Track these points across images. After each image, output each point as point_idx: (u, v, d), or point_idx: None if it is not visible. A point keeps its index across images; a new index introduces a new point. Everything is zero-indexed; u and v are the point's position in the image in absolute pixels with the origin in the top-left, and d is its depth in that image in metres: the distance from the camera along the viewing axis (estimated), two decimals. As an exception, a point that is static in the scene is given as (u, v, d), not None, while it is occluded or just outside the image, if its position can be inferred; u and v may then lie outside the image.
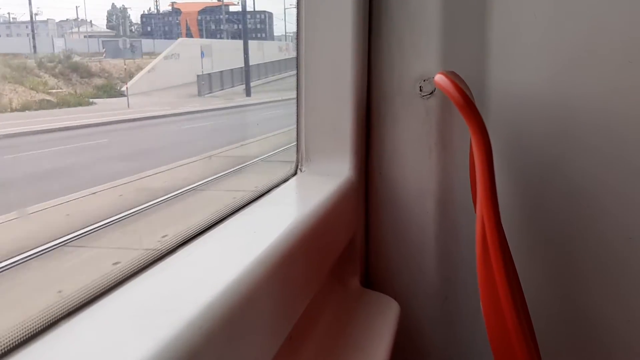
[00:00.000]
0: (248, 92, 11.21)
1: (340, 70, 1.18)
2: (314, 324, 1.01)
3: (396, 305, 1.20)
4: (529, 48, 1.14)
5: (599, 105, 1.11)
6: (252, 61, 12.49)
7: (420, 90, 1.20)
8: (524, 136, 1.17)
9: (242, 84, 11.98)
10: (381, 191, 1.27)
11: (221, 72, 11.63)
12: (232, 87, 11.84)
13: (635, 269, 1.14)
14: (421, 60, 1.20)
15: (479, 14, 1.16)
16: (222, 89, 11.49)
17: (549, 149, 1.15)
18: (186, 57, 10.56)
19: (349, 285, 1.22)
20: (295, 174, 1.23)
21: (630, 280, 1.15)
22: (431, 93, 1.20)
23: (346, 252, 1.17)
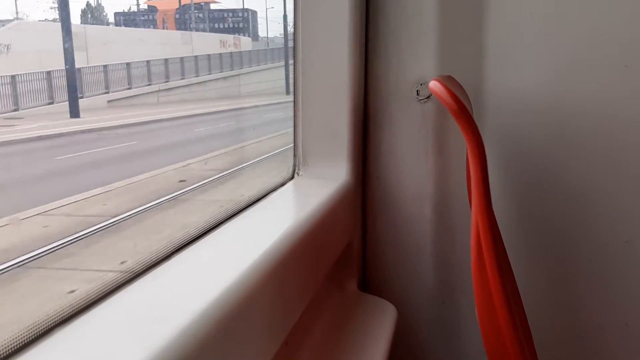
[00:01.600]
0: (74, 111, 6.65)
1: (337, 74, 1.18)
2: (311, 328, 1.01)
3: (393, 309, 1.19)
4: (526, 51, 1.14)
5: (596, 110, 1.11)
6: (163, 56, 8.45)
7: (417, 94, 1.20)
8: (520, 140, 1.17)
9: (106, 92, 7.54)
10: (378, 195, 1.27)
11: (48, 72, 6.63)
12: (82, 97, 7.12)
13: (631, 272, 1.14)
14: (418, 64, 1.20)
15: (476, 17, 1.16)
16: (51, 102, 6.74)
17: (545, 153, 1.15)
18: (24, 50, 6.37)
19: (346, 289, 1.22)
20: (292, 178, 1.23)
21: (627, 283, 1.15)
22: (428, 97, 1.20)
23: (343, 256, 1.17)
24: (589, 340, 1.19)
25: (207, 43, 11.02)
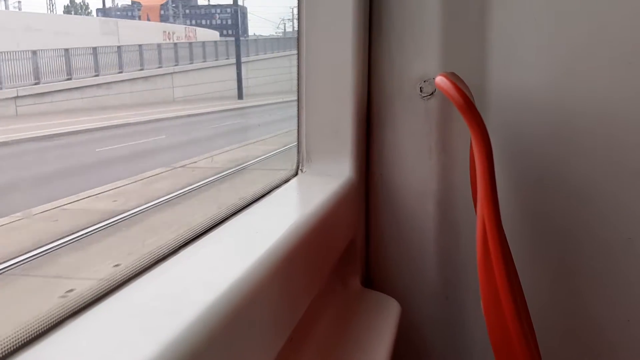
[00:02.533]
0: None
1: (340, 71, 1.18)
2: (315, 324, 1.01)
3: (397, 305, 1.20)
4: (529, 49, 1.14)
5: (599, 107, 1.11)
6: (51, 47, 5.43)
7: (421, 91, 1.21)
8: (523, 137, 1.18)
9: None
10: (381, 192, 1.27)
11: None
12: None
13: (634, 269, 1.15)
14: (421, 61, 1.20)
15: (479, 15, 1.16)
16: None
17: (548, 150, 1.16)
18: None
19: (349, 285, 1.23)
20: (296, 174, 1.23)
21: (630, 279, 1.15)
22: (431, 94, 1.20)
23: (347, 253, 1.17)
24: (590, 336, 1.20)
25: (142, 33, 8.29)
